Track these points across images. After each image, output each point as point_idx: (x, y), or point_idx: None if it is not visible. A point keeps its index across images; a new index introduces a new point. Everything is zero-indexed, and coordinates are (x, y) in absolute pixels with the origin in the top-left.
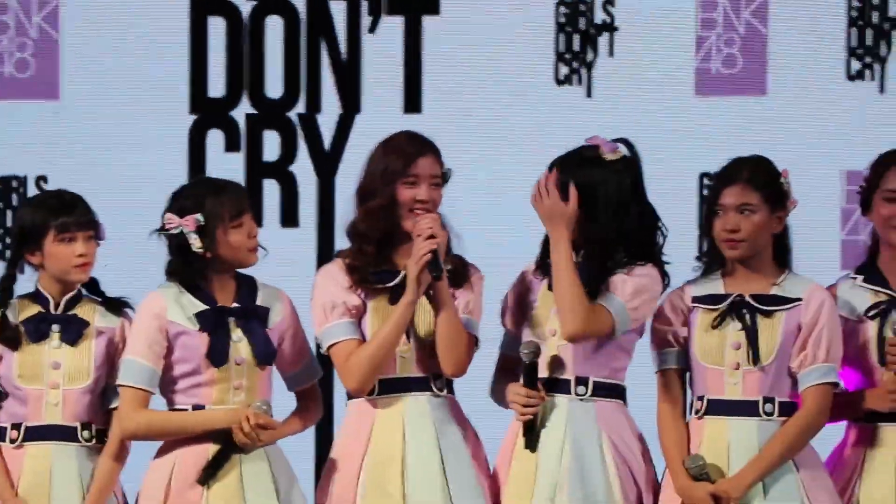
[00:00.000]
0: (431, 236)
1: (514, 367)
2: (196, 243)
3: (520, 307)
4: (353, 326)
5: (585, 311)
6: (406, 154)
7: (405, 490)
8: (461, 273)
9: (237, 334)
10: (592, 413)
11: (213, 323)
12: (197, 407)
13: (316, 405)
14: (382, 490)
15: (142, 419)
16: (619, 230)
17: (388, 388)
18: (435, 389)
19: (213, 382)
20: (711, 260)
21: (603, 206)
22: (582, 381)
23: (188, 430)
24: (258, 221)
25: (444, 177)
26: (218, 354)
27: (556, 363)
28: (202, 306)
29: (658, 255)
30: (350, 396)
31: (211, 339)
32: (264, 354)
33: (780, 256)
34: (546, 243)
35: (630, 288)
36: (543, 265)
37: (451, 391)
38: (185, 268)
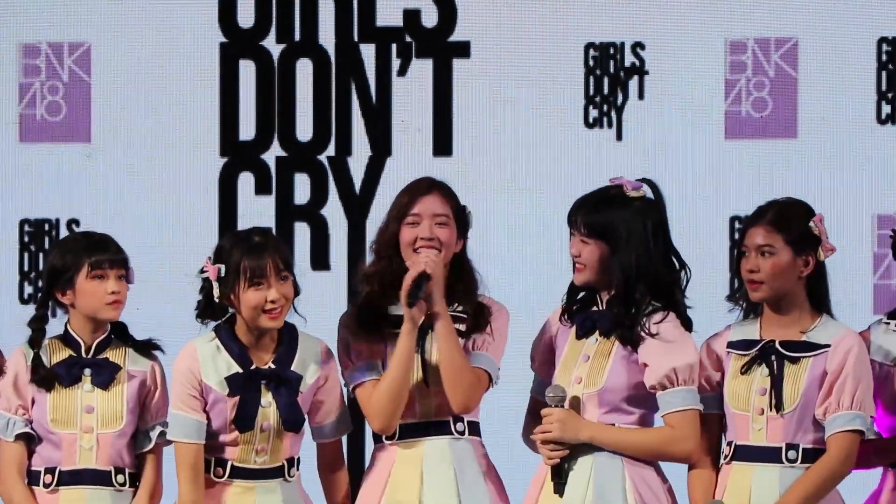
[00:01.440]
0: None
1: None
2: (216, 292)
3: (548, 352)
4: (373, 367)
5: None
6: (409, 194)
7: None
8: (481, 316)
9: (267, 399)
10: (618, 459)
11: (241, 388)
12: (219, 460)
13: (332, 461)
14: None
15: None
16: (639, 268)
17: (407, 432)
18: (455, 433)
19: (236, 443)
20: (748, 303)
21: (625, 243)
22: None
23: None
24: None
25: (459, 220)
26: (244, 420)
27: (581, 410)
28: (235, 368)
29: (678, 298)
30: (376, 440)
31: (238, 405)
32: (291, 423)
33: (816, 301)
34: (571, 290)
35: (686, 376)
36: (569, 311)
37: (475, 433)
38: (209, 312)
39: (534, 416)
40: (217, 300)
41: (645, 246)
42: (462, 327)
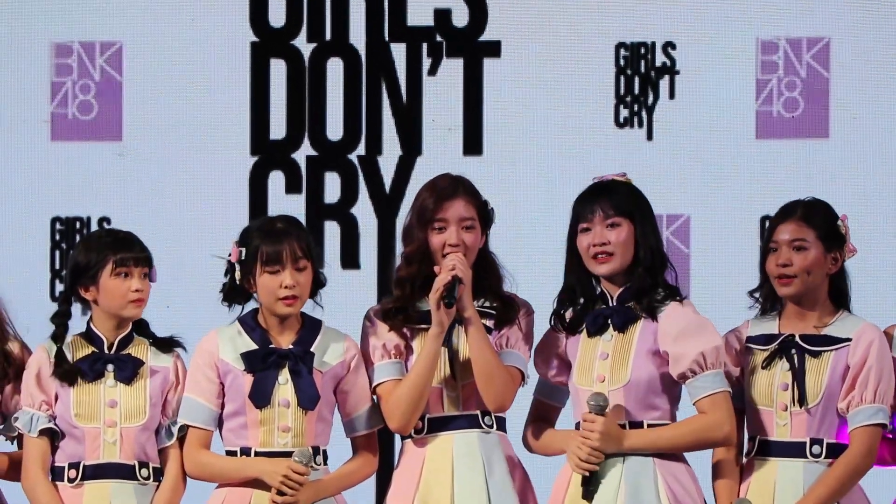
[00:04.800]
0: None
1: (548, 412)
2: (237, 274)
3: (557, 353)
4: (394, 367)
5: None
6: (434, 199)
7: None
8: (510, 309)
9: (284, 376)
10: (649, 459)
11: (258, 364)
12: (244, 449)
13: (366, 457)
14: None
15: (195, 461)
16: (658, 243)
17: (436, 426)
18: (484, 426)
19: (258, 424)
20: (767, 299)
21: (649, 218)
22: (636, 425)
23: (230, 477)
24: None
25: (482, 218)
26: (260, 395)
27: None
28: (253, 347)
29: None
30: (404, 436)
31: (255, 380)
32: (307, 398)
33: (837, 299)
34: (562, 297)
35: (714, 359)
36: (559, 315)
37: (501, 428)
38: (233, 295)
39: (538, 419)
40: (238, 283)
41: (655, 227)
42: (490, 323)
